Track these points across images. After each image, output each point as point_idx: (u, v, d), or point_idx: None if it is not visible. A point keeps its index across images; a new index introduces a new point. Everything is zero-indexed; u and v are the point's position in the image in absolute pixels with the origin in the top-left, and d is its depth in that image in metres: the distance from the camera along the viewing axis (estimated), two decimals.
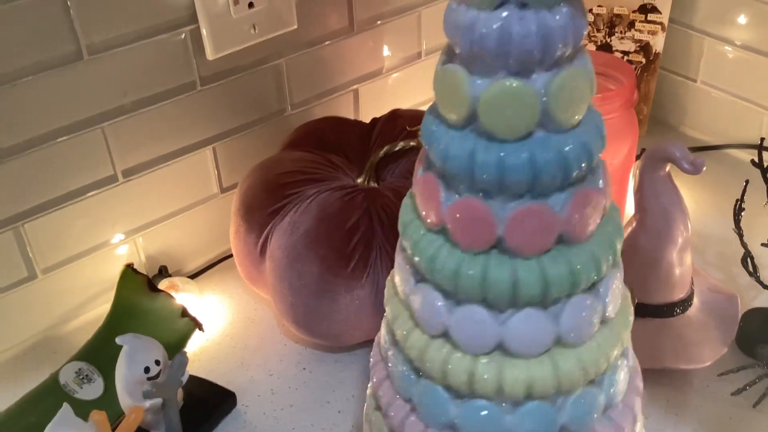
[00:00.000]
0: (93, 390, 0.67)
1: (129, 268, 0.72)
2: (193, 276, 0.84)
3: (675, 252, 0.68)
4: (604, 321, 0.46)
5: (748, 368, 0.67)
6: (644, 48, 0.97)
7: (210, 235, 0.84)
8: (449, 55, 0.41)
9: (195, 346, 0.76)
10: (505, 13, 0.38)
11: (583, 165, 0.42)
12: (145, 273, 0.81)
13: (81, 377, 0.68)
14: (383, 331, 0.51)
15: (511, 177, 0.40)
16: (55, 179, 0.71)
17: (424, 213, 0.44)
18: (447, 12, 0.40)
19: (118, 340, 0.62)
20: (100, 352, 0.69)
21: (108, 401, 0.66)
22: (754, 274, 0.68)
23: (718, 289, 0.75)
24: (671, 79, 1.02)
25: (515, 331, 0.43)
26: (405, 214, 0.46)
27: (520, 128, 0.40)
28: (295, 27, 0.79)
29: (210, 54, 0.74)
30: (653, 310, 0.70)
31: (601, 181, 0.44)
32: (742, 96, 0.95)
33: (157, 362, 0.63)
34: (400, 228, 0.47)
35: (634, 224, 0.69)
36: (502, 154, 0.40)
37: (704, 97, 0.99)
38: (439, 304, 0.44)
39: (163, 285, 0.78)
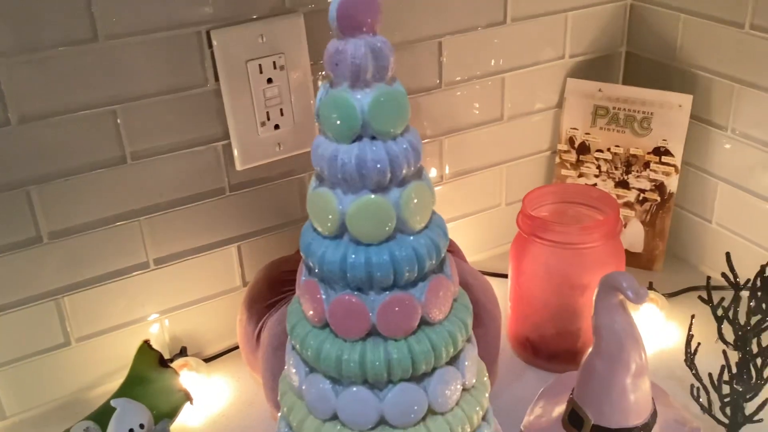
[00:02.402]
0: None
1: (145, 343, 0.83)
2: (209, 359, 0.93)
3: (629, 377, 0.71)
4: (465, 388, 0.53)
5: None
6: (659, 187, 1.02)
7: (229, 324, 0.94)
8: (319, 180, 0.51)
9: (196, 421, 0.84)
10: (360, 145, 0.48)
11: (433, 257, 0.50)
12: (168, 351, 0.91)
13: None
14: (280, 426, 0.59)
15: (377, 273, 0.48)
16: (95, 261, 0.84)
17: (309, 313, 0.52)
18: (314, 146, 0.50)
19: (112, 402, 0.72)
20: (105, 414, 0.78)
21: None
22: (706, 408, 0.70)
23: (684, 421, 0.76)
24: (688, 219, 1.05)
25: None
26: (292, 317, 0.55)
27: (381, 234, 0.49)
28: None
29: (238, 166, 0.87)
30: None
31: (449, 271, 0.53)
32: (756, 242, 0.97)
33: (142, 426, 0.72)
34: (288, 329, 0.55)
35: (591, 348, 0.73)
36: (368, 255, 0.48)
37: (719, 237, 1.02)
38: (328, 389, 0.51)
39: (177, 363, 0.88)
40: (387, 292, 0.49)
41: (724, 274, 0.66)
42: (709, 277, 0.69)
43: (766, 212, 0.94)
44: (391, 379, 0.50)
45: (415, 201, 0.49)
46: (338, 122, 0.47)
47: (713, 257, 1.04)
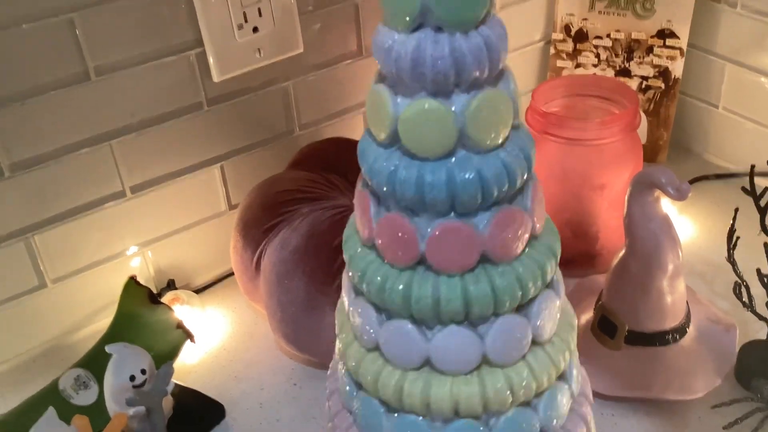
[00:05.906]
0: (88, 396, 0.70)
1: (132, 279, 0.75)
2: (200, 290, 0.86)
3: (665, 279, 0.66)
4: (536, 342, 0.46)
5: (742, 401, 0.65)
6: (663, 73, 0.96)
7: (218, 251, 0.86)
8: (379, 75, 0.42)
9: (194, 358, 0.78)
10: (420, 36, 0.39)
11: (504, 185, 0.42)
12: (154, 286, 0.84)
13: (78, 383, 0.71)
14: (336, 345, 0.52)
15: (430, 194, 0.41)
16: (64, 193, 0.74)
17: (359, 227, 0.45)
18: (374, 34, 0.41)
19: (107, 349, 0.65)
20: (97, 360, 0.72)
21: (100, 407, 0.68)
22: (748, 304, 0.66)
23: (717, 319, 0.73)
24: (693, 105, 1.00)
25: (441, 348, 0.43)
26: (348, 228, 0.47)
27: (438, 147, 0.40)
28: (301, 51, 0.81)
29: (215, 76, 0.77)
30: (644, 338, 0.68)
31: (529, 202, 0.44)
32: (765, 123, 0.92)
33: (143, 371, 0.65)
34: (343, 240, 0.47)
35: (624, 250, 0.68)
36: (421, 171, 0.40)
37: (727, 123, 0.97)
38: (372, 317, 0.45)
39: (167, 297, 0.81)
40: (442, 219, 0.42)
41: None
42: (753, 165, 0.63)
43: None
44: (440, 319, 0.43)
45: (485, 113, 0.40)
46: (394, 2, 0.38)
47: (720, 145, 0.99)
